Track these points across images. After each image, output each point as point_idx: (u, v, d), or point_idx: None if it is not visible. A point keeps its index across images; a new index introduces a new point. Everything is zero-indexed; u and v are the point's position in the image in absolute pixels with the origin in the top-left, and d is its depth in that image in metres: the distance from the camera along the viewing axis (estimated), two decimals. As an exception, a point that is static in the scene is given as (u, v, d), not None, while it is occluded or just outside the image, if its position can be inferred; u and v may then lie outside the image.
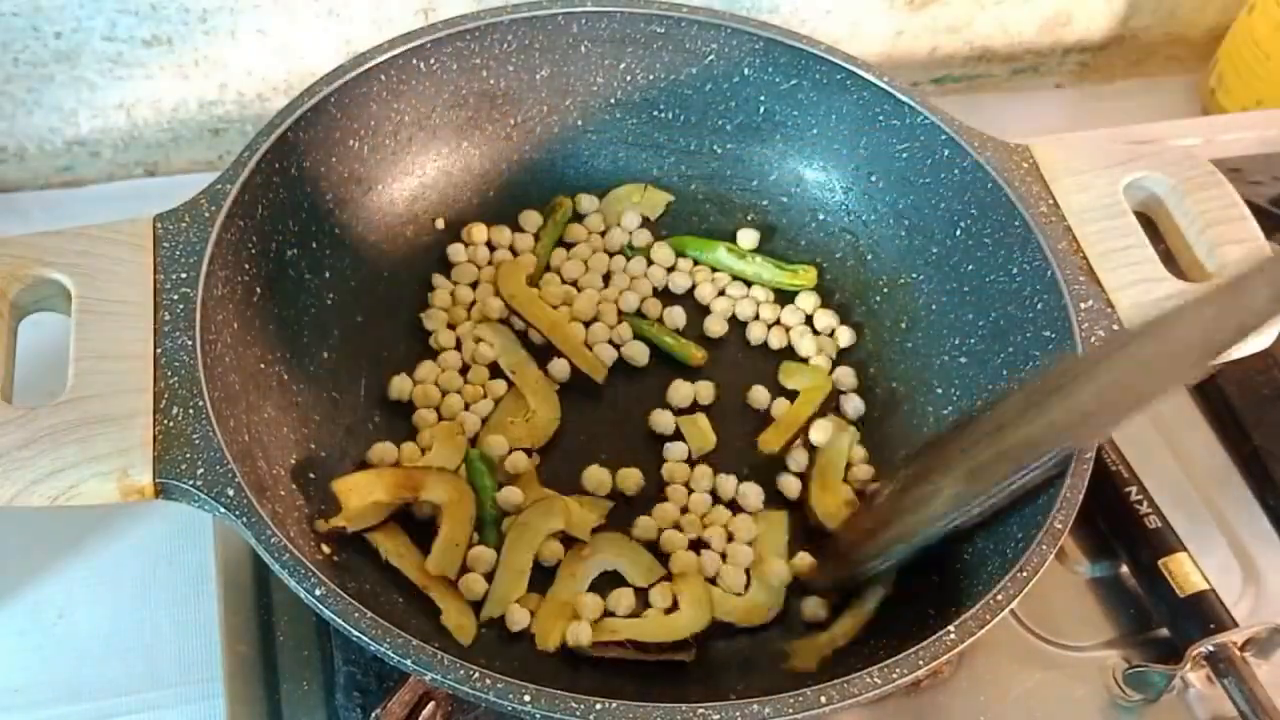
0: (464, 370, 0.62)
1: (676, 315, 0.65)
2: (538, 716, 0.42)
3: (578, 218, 0.68)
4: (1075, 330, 0.54)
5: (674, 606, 0.55)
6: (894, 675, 0.44)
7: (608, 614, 0.54)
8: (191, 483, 0.45)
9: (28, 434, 0.46)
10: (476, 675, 0.43)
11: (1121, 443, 0.63)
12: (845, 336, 0.65)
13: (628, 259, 0.67)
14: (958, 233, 0.62)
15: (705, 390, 0.62)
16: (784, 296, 0.66)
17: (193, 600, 0.59)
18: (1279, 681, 0.55)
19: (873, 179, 0.65)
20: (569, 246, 0.67)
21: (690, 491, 0.59)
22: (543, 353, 0.63)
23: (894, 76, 0.62)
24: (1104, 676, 0.57)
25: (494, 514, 0.56)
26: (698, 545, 0.57)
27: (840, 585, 0.55)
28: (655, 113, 0.67)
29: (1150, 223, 0.60)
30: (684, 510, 0.59)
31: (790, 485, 0.60)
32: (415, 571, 0.53)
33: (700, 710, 0.42)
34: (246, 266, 0.54)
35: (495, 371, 0.62)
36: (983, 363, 0.60)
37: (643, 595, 0.55)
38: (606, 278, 0.66)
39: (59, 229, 0.51)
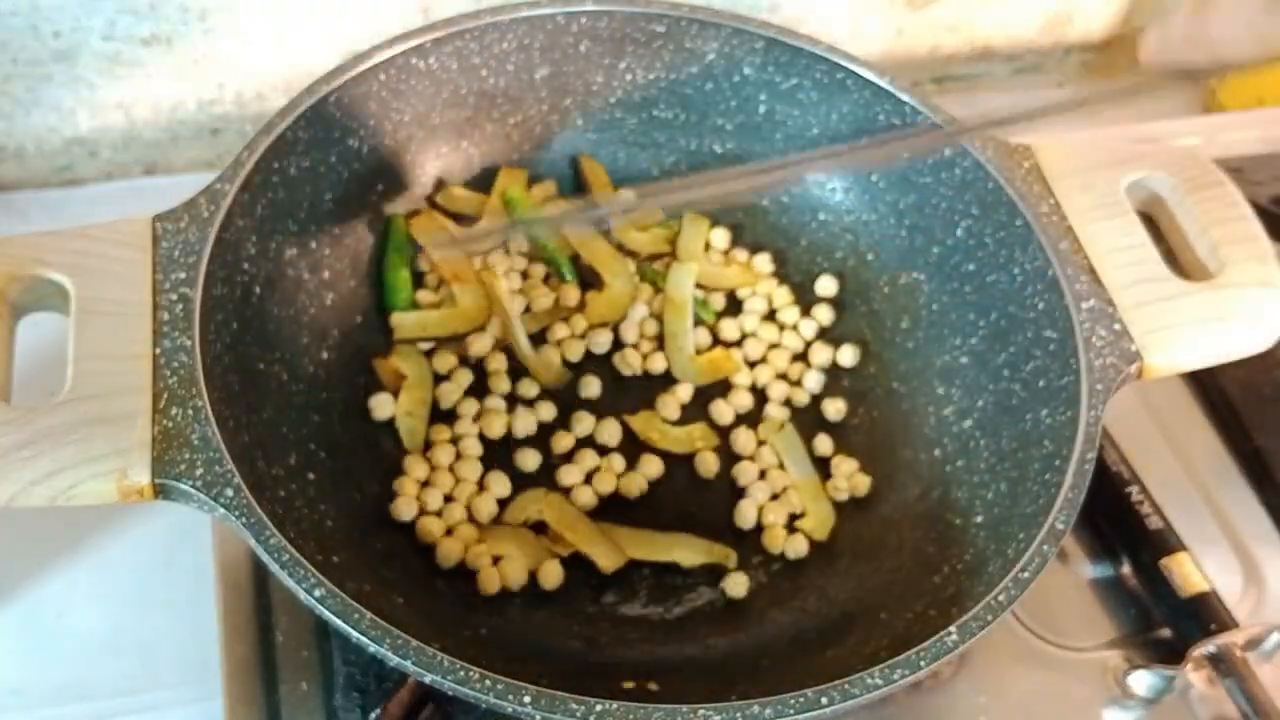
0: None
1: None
2: (538, 717, 0.42)
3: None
4: (1076, 330, 0.54)
5: None
6: (894, 676, 0.44)
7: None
8: (190, 483, 0.45)
9: (26, 434, 0.46)
10: (476, 676, 0.42)
11: (1123, 442, 0.63)
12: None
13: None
14: (959, 232, 0.61)
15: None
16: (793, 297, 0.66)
17: (192, 601, 0.59)
18: (1280, 682, 0.55)
19: (873, 178, 0.65)
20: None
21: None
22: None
23: (895, 76, 0.62)
24: (1105, 677, 0.57)
25: None
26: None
27: None
28: (655, 113, 0.67)
29: (1152, 222, 0.60)
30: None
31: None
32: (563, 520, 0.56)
33: (700, 710, 0.42)
34: (246, 266, 0.54)
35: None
36: (984, 362, 0.60)
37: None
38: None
39: (58, 229, 0.51)
